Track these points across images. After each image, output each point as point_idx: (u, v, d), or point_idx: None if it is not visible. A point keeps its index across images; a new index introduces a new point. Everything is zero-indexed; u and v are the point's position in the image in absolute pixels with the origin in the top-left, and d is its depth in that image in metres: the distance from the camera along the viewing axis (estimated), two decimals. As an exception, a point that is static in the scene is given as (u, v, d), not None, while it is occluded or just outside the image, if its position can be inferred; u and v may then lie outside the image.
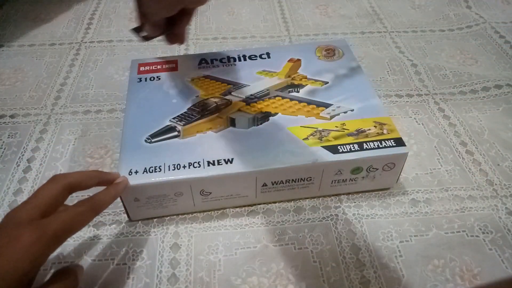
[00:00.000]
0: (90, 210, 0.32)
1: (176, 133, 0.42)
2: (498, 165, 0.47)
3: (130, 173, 0.38)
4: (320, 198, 0.43)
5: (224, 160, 0.39)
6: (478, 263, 0.38)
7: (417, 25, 0.70)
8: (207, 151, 0.40)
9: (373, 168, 0.41)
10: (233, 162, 0.39)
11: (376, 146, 0.40)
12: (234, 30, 0.69)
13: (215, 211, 0.42)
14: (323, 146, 0.40)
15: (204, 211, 0.42)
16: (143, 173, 0.38)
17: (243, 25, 0.70)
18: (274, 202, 0.43)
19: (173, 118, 0.43)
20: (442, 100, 0.55)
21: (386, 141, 0.41)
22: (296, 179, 0.41)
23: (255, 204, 0.43)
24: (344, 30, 0.69)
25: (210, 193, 0.40)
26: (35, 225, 0.28)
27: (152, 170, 0.38)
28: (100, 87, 0.58)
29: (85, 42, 0.66)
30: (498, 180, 0.45)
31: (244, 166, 0.39)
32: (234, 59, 0.51)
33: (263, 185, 0.41)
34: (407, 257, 0.39)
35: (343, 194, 0.44)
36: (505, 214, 0.42)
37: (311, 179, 0.41)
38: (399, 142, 0.41)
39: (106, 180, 0.36)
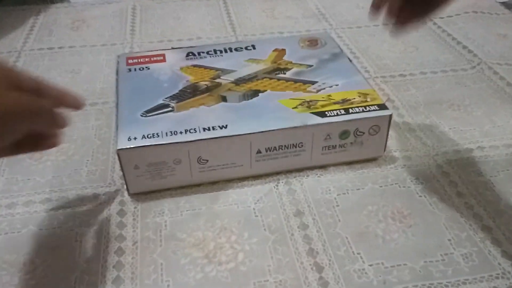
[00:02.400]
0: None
1: (170, 108, 0.52)
2: (432, 131, 0.60)
3: (129, 139, 0.48)
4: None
5: (219, 126, 0.49)
6: (408, 206, 0.50)
7: (361, 23, 0.85)
8: (202, 120, 0.50)
9: (360, 132, 0.52)
10: (227, 127, 0.49)
11: (361, 111, 0.51)
12: (180, 33, 0.83)
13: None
14: (311, 112, 0.51)
15: (200, 184, 0.52)
16: (141, 139, 0.48)
17: (189, 29, 0.84)
18: (267, 175, 0.53)
19: (166, 98, 0.54)
20: (382, 82, 0.69)
21: (370, 106, 0.52)
22: (288, 145, 0.51)
23: (249, 177, 0.53)
24: (290, 29, 0.83)
25: (207, 161, 0.50)
26: None
27: (150, 136, 0.48)
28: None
29: (25, 51, 0.78)
30: (431, 142, 0.58)
31: (239, 131, 0.49)
32: (221, 51, 0.63)
33: (257, 152, 0.51)
34: (344, 206, 0.50)
35: (333, 165, 0.54)
36: (435, 168, 0.54)
37: (302, 145, 0.52)
38: (383, 106, 0.52)
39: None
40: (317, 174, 0.54)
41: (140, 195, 0.51)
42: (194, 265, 0.44)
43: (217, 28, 0.84)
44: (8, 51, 0.77)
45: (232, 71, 0.59)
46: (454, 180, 0.53)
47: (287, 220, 0.48)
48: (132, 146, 0.47)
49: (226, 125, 0.49)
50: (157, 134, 0.48)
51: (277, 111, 0.52)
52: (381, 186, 0.52)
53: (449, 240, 0.46)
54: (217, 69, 0.59)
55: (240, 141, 0.50)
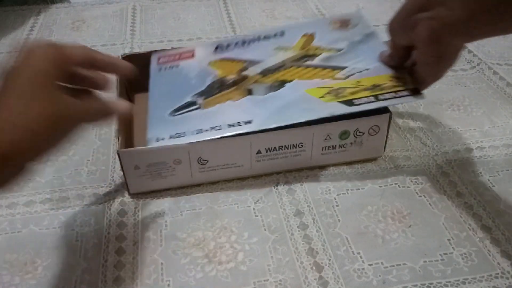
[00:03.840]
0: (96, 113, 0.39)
1: (197, 106, 0.52)
2: (432, 131, 0.60)
3: (157, 140, 0.48)
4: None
5: (244, 121, 0.49)
6: (408, 206, 0.50)
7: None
8: (227, 116, 0.50)
9: (359, 132, 0.52)
10: (252, 123, 0.48)
11: (392, 97, 0.49)
12: (180, 33, 0.83)
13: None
14: (339, 101, 0.49)
15: (201, 184, 0.53)
16: (168, 139, 0.48)
17: (189, 29, 0.84)
18: (267, 175, 0.54)
19: (194, 95, 0.54)
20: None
21: (401, 91, 0.49)
22: (288, 145, 0.51)
23: (249, 177, 0.53)
24: (291, 29, 0.84)
25: (207, 161, 0.50)
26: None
27: (177, 136, 0.48)
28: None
29: (25, 51, 0.78)
30: (431, 142, 0.58)
31: (263, 125, 0.48)
32: (249, 42, 0.61)
33: (257, 153, 0.51)
34: (343, 206, 0.50)
35: (333, 165, 0.55)
36: (435, 168, 0.55)
37: (302, 145, 0.52)
38: (415, 91, 0.49)
39: (100, 61, 0.40)
40: (317, 174, 0.54)
41: (141, 195, 0.51)
42: (194, 265, 0.44)
43: (217, 28, 0.84)
44: (8, 51, 0.78)
45: (260, 61, 0.58)
46: (454, 180, 0.53)
47: (287, 220, 0.49)
48: (159, 146, 0.48)
49: (251, 120, 0.49)
50: (183, 133, 0.48)
51: (303, 102, 0.50)
52: (381, 186, 0.53)
53: (449, 240, 0.47)
54: (244, 61, 0.58)
55: (240, 141, 0.50)
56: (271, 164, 0.53)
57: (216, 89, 0.54)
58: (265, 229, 0.48)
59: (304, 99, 0.51)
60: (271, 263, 0.45)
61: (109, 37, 0.82)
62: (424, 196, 0.51)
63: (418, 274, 0.43)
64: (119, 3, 0.93)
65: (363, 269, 0.44)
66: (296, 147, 0.52)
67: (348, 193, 0.52)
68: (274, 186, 0.53)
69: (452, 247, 0.46)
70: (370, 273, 0.44)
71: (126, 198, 0.51)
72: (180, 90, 0.53)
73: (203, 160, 0.50)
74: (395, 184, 0.53)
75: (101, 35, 0.82)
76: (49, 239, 0.47)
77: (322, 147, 0.53)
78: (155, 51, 0.62)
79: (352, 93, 0.50)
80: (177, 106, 0.52)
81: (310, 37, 0.60)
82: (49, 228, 0.48)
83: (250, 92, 0.53)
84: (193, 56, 0.61)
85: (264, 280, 0.43)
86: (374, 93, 0.49)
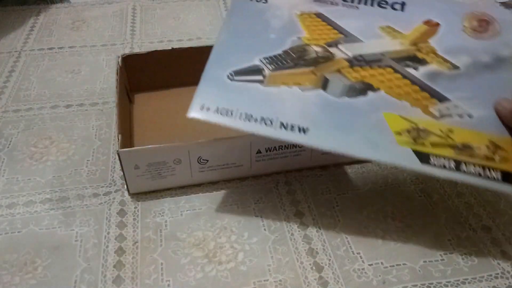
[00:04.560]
0: None
1: (261, 77, 0.45)
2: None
3: (202, 108, 0.44)
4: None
5: (299, 127, 0.42)
6: (408, 206, 0.50)
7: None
8: (285, 110, 0.43)
9: None
10: (307, 133, 0.41)
11: (477, 174, 0.38)
12: (180, 33, 0.83)
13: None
14: (413, 150, 0.40)
15: (200, 184, 0.53)
16: (213, 112, 0.43)
17: (189, 29, 0.84)
18: (267, 175, 0.54)
19: (264, 58, 0.46)
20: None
21: (492, 170, 0.38)
22: (288, 145, 0.51)
23: (249, 177, 0.53)
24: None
25: (207, 161, 0.50)
26: None
27: (224, 112, 0.43)
28: (42, 88, 0.69)
29: (25, 51, 0.78)
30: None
31: (318, 142, 0.41)
32: (359, 1, 0.48)
33: (257, 152, 0.51)
34: (344, 206, 0.50)
35: (333, 165, 0.55)
36: (435, 168, 0.55)
37: (302, 146, 0.51)
38: (508, 178, 0.38)
39: None
40: (317, 174, 0.54)
41: (140, 195, 0.51)
42: (194, 265, 0.44)
43: (217, 28, 0.84)
44: (8, 51, 0.78)
45: (357, 40, 0.46)
46: (454, 180, 0.53)
47: (287, 220, 0.49)
48: (193, 116, 0.44)
49: (307, 129, 0.42)
50: (231, 112, 0.43)
51: (373, 131, 0.41)
52: (381, 186, 0.53)
53: (449, 240, 0.47)
54: (340, 31, 0.47)
55: (240, 141, 0.50)
56: (271, 164, 0.53)
57: (291, 61, 0.45)
58: (265, 229, 0.48)
59: (376, 127, 0.41)
60: (271, 263, 0.45)
61: (109, 37, 0.82)
62: (424, 196, 0.51)
63: (418, 274, 0.43)
64: (119, 3, 0.93)
65: (363, 269, 0.44)
66: (296, 147, 0.52)
67: (348, 193, 0.52)
68: (274, 186, 0.53)
69: (452, 247, 0.46)
70: (370, 273, 0.44)
71: (126, 198, 0.51)
72: (253, 41, 0.46)
73: (203, 160, 0.50)
74: (395, 184, 0.53)
75: (101, 35, 0.82)
76: (49, 239, 0.47)
77: None
78: None
79: (434, 145, 0.40)
80: (241, 67, 0.45)
81: (432, 29, 0.46)
82: (49, 228, 0.48)
83: (324, 85, 0.44)
84: None
85: (264, 280, 0.43)
86: (458, 157, 0.39)
